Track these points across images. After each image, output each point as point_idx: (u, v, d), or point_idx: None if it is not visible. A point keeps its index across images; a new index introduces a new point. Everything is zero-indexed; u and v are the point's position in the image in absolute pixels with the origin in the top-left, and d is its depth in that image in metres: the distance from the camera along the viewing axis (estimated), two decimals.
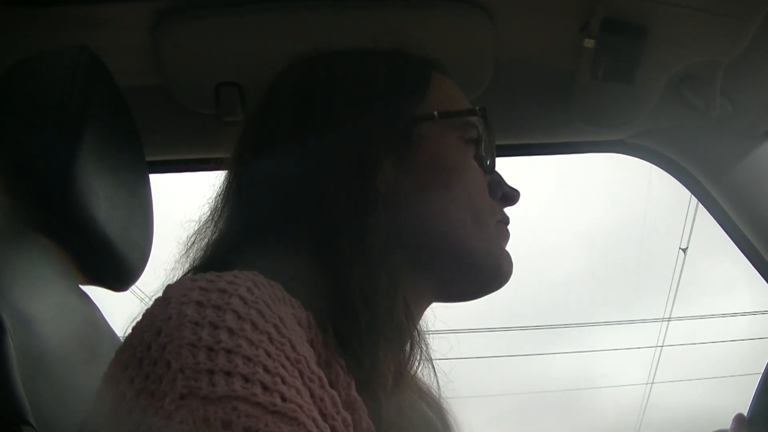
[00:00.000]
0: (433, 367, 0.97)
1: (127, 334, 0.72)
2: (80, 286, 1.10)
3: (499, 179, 1.02)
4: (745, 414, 1.24)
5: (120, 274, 1.11)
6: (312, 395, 0.69)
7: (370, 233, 0.88)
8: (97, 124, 1.04)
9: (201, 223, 0.97)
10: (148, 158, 1.21)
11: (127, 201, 1.11)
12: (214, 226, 0.96)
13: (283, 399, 0.64)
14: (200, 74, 1.41)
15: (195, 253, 0.94)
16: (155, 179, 1.24)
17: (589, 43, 1.35)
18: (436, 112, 0.98)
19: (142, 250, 1.15)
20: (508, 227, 1.03)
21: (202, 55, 1.38)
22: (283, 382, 0.66)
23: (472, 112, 1.01)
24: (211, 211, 0.98)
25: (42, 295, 0.97)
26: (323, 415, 0.68)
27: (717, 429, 1.28)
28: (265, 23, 1.34)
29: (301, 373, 0.69)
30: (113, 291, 1.14)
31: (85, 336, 1.04)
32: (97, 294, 1.13)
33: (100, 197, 1.03)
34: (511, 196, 1.02)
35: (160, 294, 0.73)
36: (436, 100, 0.99)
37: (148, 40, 1.36)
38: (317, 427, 0.65)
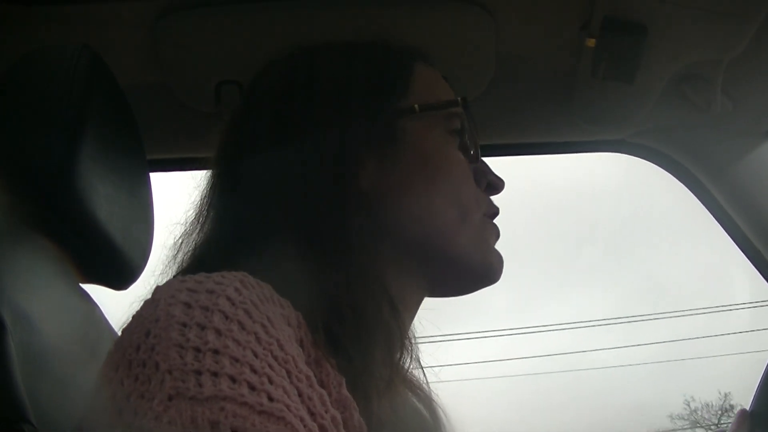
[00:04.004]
0: (422, 368, 0.97)
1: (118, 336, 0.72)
2: (80, 284, 1.10)
3: (484, 168, 1.02)
4: (748, 409, 1.25)
5: (121, 273, 1.11)
6: (300, 394, 0.69)
7: (353, 233, 0.88)
8: (98, 122, 1.04)
9: (187, 225, 0.97)
10: (149, 156, 1.21)
11: (127, 199, 1.11)
12: (200, 228, 0.96)
13: (270, 399, 0.64)
14: (201, 72, 1.41)
15: (183, 255, 0.94)
16: (155, 178, 1.24)
17: (590, 42, 1.35)
18: (417, 106, 0.97)
19: (143, 249, 1.14)
20: (496, 222, 1.03)
21: (202, 53, 1.38)
22: (270, 382, 0.66)
23: (453, 103, 1.00)
24: (197, 213, 0.98)
25: (42, 293, 0.97)
26: (312, 414, 0.69)
27: (719, 431, 1.28)
28: (265, 21, 1.34)
29: (288, 373, 0.69)
30: (114, 290, 1.14)
31: (86, 335, 1.04)
32: (98, 293, 1.13)
33: (100, 195, 1.03)
34: (495, 184, 1.03)
35: (149, 295, 0.73)
36: (418, 93, 0.99)
37: (148, 38, 1.36)
38: (304, 426, 0.65)
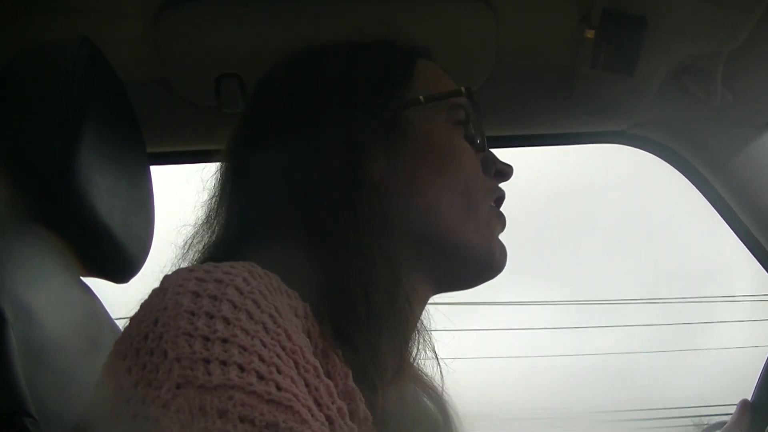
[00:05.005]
0: (437, 358, 0.98)
1: (125, 325, 0.73)
2: (81, 277, 1.10)
3: (491, 156, 1.03)
4: (749, 399, 1.25)
5: (121, 266, 1.12)
6: (307, 385, 0.69)
7: (365, 224, 0.88)
8: (98, 115, 1.04)
9: (197, 224, 0.98)
10: (149, 150, 1.21)
11: (128, 192, 1.11)
12: (210, 229, 0.96)
13: (279, 388, 0.65)
14: (201, 65, 1.41)
15: (193, 254, 0.95)
16: (155, 171, 1.24)
17: (589, 33, 1.34)
18: (422, 97, 0.98)
19: (144, 242, 1.15)
20: (503, 211, 1.03)
21: (202, 47, 1.38)
22: (279, 371, 0.66)
23: (457, 92, 1.01)
24: (207, 213, 0.98)
25: (43, 286, 0.97)
26: (318, 404, 0.69)
27: (719, 420, 1.29)
28: (265, 15, 1.34)
29: (296, 363, 0.69)
30: (114, 283, 1.14)
31: (86, 327, 1.05)
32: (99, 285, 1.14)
33: (101, 189, 1.03)
34: (504, 171, 1.03)
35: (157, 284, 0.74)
36: (422, 87, 1.00)
37: (148, 31, 1.36)
38: (312, 416, 0.66)
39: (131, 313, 0.73)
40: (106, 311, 1.12)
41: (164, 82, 1.45)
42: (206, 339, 0.65)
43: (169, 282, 0.72)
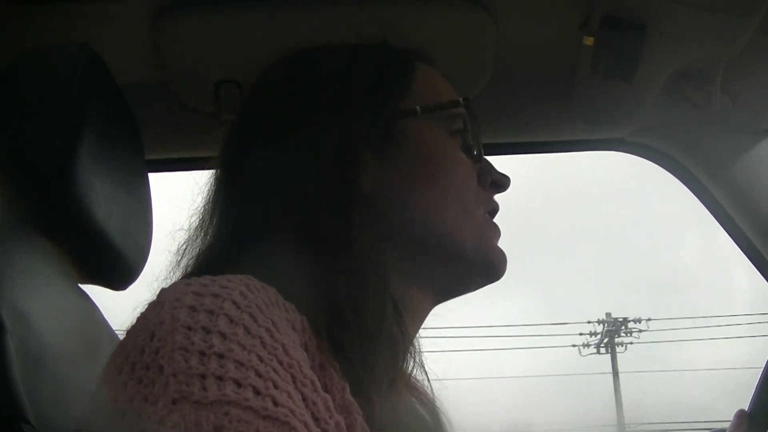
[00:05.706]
0: (426, 373, 0.97)
1: (121, 338, 0.72)
2: (79, 284, 1.09)
3: (488, 167, 1.02)
4: (746, 410, 1.25)
5: (119, 273, 1.11)
6: (304, 399, 0.68)
7: (356, 235, 0.88)
8: (97, 121, 1.04)
9: (191, 231, 0.97)
10: (147, 157, 1.21)
11: (126, 199, 1.11)
12: (204, 234, 0.96)
13: (275, 403, 0.64)
14: (200, 71, 1.41)
15: (187, 261, 0.94)
16: (153, 178, 1.23)
17: (588, 41, 1.35)
18: (418, 107, 0.97)
19: (142, 249, 1.14)
20: (497, 221, 1.02)
21: (201, 52, 1.38)
22: (275, 386, 0.66)
23: (454, 103, 1.00)
24: (200, 218, 0.97)
25: (41, 293, 0.97)
26: (316, 419, 0.68)
27: (716, 429, 1.29)
28: (265, 20, 1.34)
29: (293, 378, 0.69)
30: (112, 290, 1.14)
31: (85, 335, 1.04)
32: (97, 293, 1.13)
33: (99, 195, 1.02)
34: (500, 182, 1.02)
35: (153, 298, 0.73)
36: (419, 94, 0.99)
37: (148, 36, 1.36)
38: (309, 431, 0.65)
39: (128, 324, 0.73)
40: (104, 318, 1.11)
41: (163, 87, 1.45)
42: (202, 354, 0.65)
43: (165, 295, 0.72)
